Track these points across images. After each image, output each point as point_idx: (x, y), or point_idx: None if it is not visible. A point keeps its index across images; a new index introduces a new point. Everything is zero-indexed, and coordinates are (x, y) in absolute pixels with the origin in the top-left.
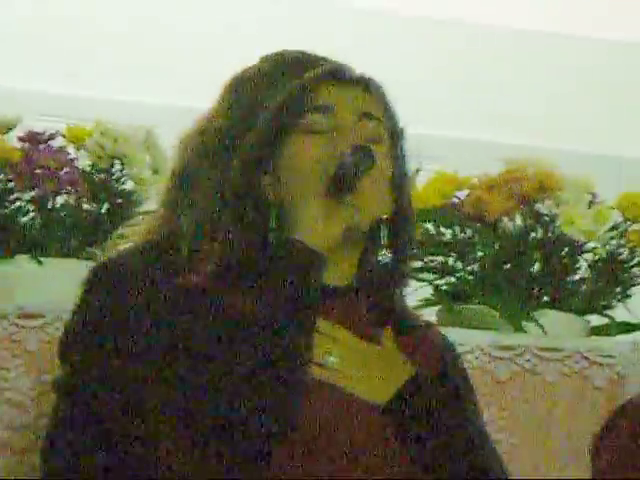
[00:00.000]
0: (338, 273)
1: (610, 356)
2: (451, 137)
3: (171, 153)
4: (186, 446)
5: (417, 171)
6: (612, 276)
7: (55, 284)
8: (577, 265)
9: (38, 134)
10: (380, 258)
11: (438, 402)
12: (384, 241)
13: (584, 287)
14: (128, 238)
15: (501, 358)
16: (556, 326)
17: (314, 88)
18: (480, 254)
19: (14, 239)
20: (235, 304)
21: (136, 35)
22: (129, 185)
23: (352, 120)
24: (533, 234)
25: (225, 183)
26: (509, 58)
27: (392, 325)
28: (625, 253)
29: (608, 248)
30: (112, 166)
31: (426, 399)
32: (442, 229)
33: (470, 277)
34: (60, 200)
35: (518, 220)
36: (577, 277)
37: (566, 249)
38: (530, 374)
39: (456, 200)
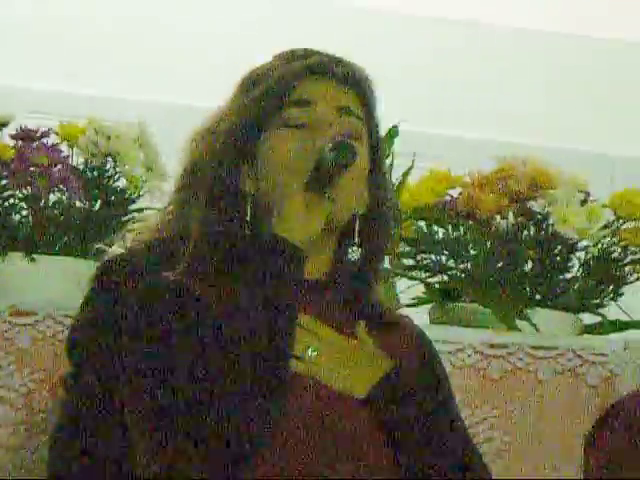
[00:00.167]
0: (315, 266)
1: (602, 354)
2: (451, 136)
3: (166, 150)
4: (162, 444)
5: (409, 169)
6: (605, 274)
7: (47, 282)
8: (570, 263)
9: (31, 131)
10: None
11: (420, 391)
12: (356, 236)
13: (577, 285)
14: (138, 233)
15: (494, 356)
16: (549, 324)
17: (295, 82)
18: (473, 252)
19: (6, 237)
20: (215, 300)
21: (136, 35)
22: (122, 182)
23: (332, 115)
24: (526, 232)
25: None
26: (509, 57)
27: (366, 319)
28: (618, 251)
29: (600, 246)
30: (105, 163)
31: (408, 389)
32: (434, 227)
33: (462, 275)
34: (53, 198)
35: (511, 218)
36: (570, 275)
37: (559, 247)
38: (523, 372)
39: (449, 198)
